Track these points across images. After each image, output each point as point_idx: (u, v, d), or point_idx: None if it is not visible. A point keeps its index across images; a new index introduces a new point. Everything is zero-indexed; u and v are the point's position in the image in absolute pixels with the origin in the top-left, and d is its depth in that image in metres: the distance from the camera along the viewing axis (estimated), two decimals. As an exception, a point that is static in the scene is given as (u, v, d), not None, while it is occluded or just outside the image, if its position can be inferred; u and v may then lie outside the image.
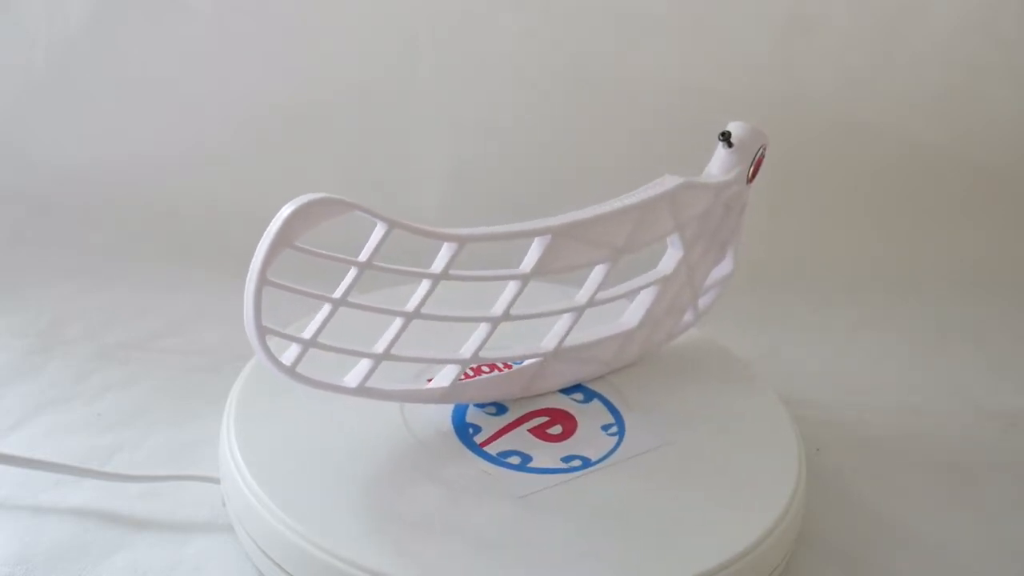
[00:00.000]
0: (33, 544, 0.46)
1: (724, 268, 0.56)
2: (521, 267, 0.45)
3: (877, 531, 0.52)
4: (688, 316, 0.56)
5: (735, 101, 0.87)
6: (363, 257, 0.41)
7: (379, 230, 0.41)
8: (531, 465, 0.46)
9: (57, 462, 0.49)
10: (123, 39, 0.85)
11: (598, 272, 0.48)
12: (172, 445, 0.55)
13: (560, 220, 0.45)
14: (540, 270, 0.45)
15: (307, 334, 0.42)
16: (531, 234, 0.45)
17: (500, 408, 0.51)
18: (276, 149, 0.85)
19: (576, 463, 0.46)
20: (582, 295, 0.49)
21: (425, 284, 0.43)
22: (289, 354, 0.41)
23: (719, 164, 0.51)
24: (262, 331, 0.40)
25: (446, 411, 0.50)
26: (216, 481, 0.48)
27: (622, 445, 0.48)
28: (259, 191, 0.83)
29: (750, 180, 0.51)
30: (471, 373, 0.51)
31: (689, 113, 0.87)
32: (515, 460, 0.47)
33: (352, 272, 0.41)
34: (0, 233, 0.78)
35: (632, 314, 0.52)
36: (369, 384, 0.44)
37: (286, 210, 0.38)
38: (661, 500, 0.45)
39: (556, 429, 0.49)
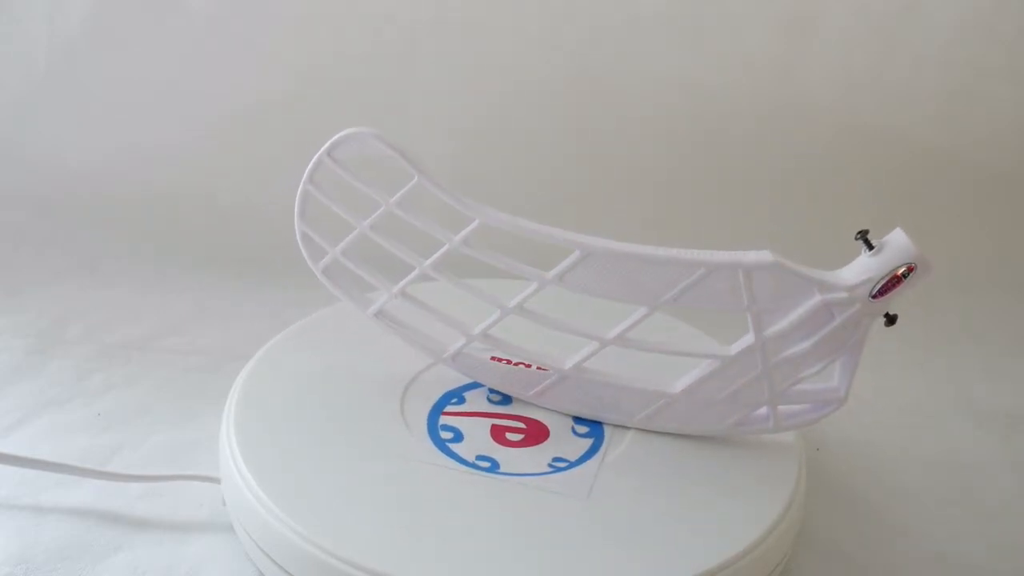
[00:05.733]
0: (33, 544, 0.46)
1: (832, 390, 0.47)
2: (551, 271, 0.45)
3: (877, 531, 0.52)
4: (763, 413, 0.48)
5: (735, 102, 0.87)
6: (394, 200, 0.46)
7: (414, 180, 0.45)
8: (451, 445, 0.48)
9: (57, 462, 0.49)
10: (123, 39, 0.85)
11: (638, 313, 0.46)
12: (172, 445, 0.55)
13: (597, 242, 0.44)
14: (562, 280, 0.45)
15: (338, 249, 0.48)
16: (557, 239, 0.44)
17: (505, 400, 0.52)
18: (278, 151, 0.85)
19: (484, 464, 0.47)
20: (614, 330, 0.47)
21: (445, 247, 0.46)
22: (323, 262, 0.49)
23: (854, 266, 0.44)
24: (302, 228, 0.48)
25: (458, 381, 0.52)
26: (216, 481, 0.48)
27: (543, 478, 0.46)
28: (260, 192, 0.83)
29: (874, 296, 0.43)
30: (514, 360, 0.51)
31: (689, 113, 0.87)
32: (447, 436, 0.48)
33: (381, 208, 0.47)
34: (1, 234, 0.78)
35: (681, 380, 0.48)
36: (388, 315, 0.50)
37: (340, 133, 0.46)
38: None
39: (516, 436, 0.49)
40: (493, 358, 0.51)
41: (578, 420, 0.50)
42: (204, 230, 0.80)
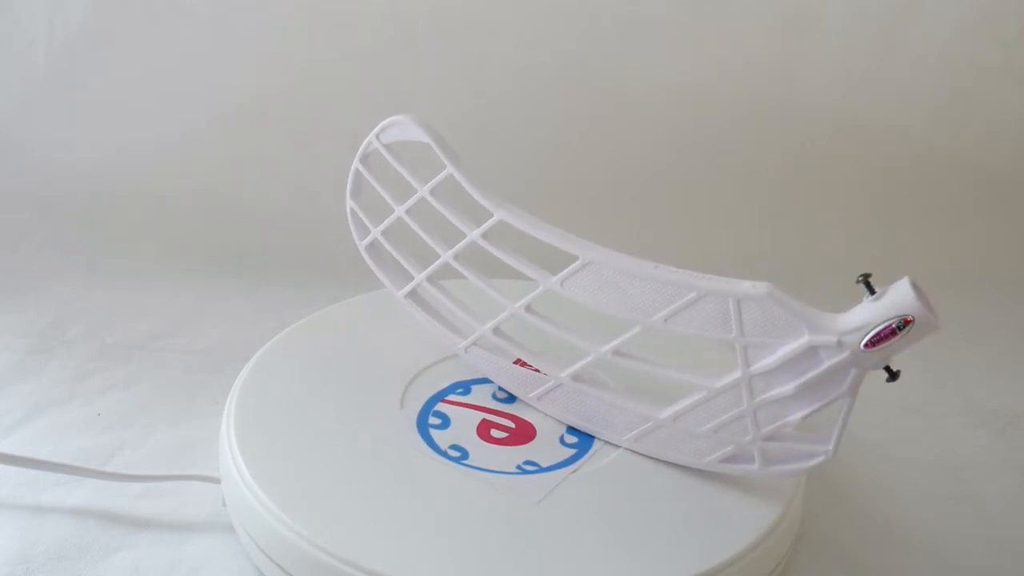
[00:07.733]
0: (33, 544, 0.46)
1: (820, 440, 0.44)
2: (555, 276, 0.45)
3: (877, 531, 0.52)
4: (749, 454, 0.45)
5: (735, 102, 0.87)
6: (427, 187, 0.48)
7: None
8: (432, 431, 0.49)
9: (57, 462, 0.49)
10: (123, 39, 0.85)
11: (633, 330, 0.45)
12: (172, 445, 0.55)
13: (597, 252, 0.44)
14: (562, 286, 0.45)
15: (378, 230, 0.52)
16: (560, 243, 0.44)
17: (510, 399, 0.52)
18: (277, 151, 0.85)
19: (455, 454, 0.47)
20: (610, 346, 0.46)
21: (466, 239, 0.48)
22: (366, 240, 0.53)
23: (854, 310, 0.40)
24: (352, 205, 0.52)
25: (471, 373, 0.53)
26: (216, 481, 0.48)
27: (505, 476, 0.46)
28: (260, 192, 0.83)
29: (866, 346, 0.39)
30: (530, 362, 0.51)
31: (688, 113, 0.87)
32: (435, 421, 0.50)
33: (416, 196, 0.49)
34: (1, 233, 0.78)
35: (670, 405, 0.46)
36: (418, 299, 0.53)
37: (388, 119, 0.48)
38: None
39: (500, 434, 0.49)
40: (517, 361, 0.51)
41: (572, 431, 0.50)
42: (204, 229, 0.80)
